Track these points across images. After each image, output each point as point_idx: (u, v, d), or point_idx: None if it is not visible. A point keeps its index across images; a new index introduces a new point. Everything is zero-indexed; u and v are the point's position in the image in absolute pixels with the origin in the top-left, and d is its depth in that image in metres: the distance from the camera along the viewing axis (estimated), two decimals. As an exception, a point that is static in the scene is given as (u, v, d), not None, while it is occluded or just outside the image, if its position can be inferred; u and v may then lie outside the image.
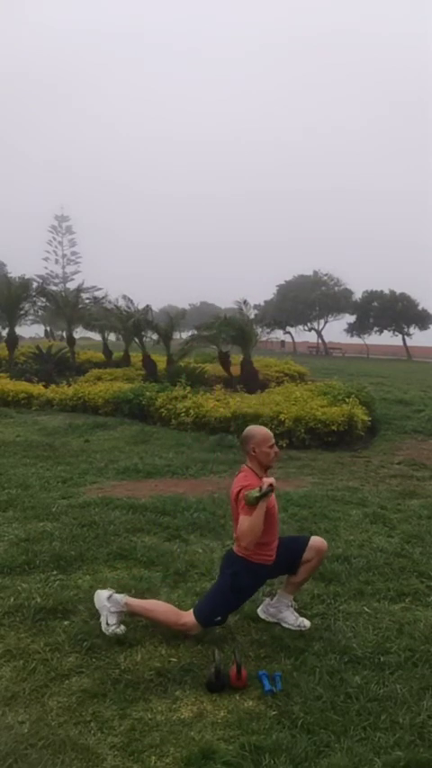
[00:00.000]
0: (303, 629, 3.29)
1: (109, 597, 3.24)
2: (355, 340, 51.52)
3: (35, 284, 21.74)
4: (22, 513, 5.34)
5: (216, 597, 3.20)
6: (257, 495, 3.00)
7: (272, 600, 3.43)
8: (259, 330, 16.36)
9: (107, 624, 3.19)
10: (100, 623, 3.23)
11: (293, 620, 3.33)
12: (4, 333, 21.64)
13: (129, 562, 4.22)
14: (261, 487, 3.02)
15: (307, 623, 3.33)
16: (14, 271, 27.02)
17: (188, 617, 3.16)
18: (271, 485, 3.04)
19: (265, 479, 3.08)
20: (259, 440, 3.25)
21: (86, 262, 58.42)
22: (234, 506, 3.21)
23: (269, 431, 3.34)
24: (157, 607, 3.24)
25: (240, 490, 3.11)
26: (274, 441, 3.29)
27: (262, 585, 3.40)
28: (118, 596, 3.25)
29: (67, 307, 20.32)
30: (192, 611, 3.19)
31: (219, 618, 3.19)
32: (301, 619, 3.35)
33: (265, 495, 3.01)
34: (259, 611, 3.45)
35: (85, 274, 52.76)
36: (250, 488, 3.06)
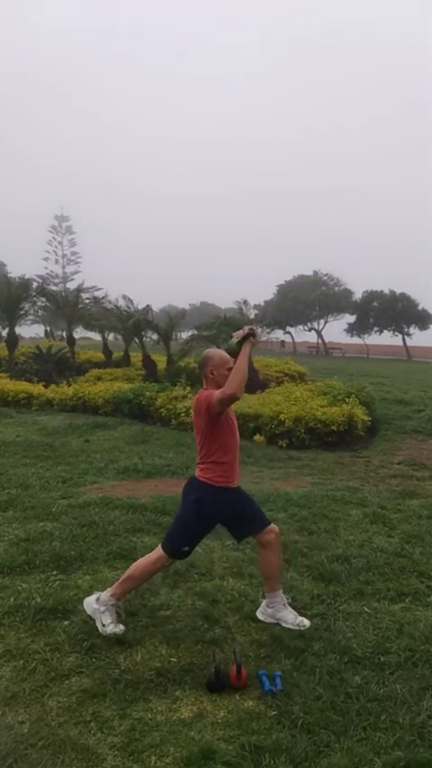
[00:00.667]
0: (303, 628, 3.29)
1: (97, 599, 3.26)
2: (355, 340, 51.54)
3: (35, 284, 21.78)
4: (22, 513, 5.34)
5: (180, 526, 3.20)
6: (238, 339, 2.97)
7: (267, 601, 3.42)
8: (259, 330, 16.37)
9: (102, 625, 3.20)
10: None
11: (292, 618, 3.33)
12: (4, 333, 21.65)
13: (129, 562, 4.19)
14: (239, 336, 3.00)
15: (306, 622, 3.32)
16: (14, 271, 27.06)
17: (158, 553, 3.19)
18: (252, 328, 3.00)
19: (244, 327, 3.07)
20: (217, 362, 3.18)
21: (86, 262, 58.38)
22: (197, 419, 3.17)
23: (228, 355, 3.22)
24: (131, 570, 3.27)
25: (202, 396, 3.08)
26: (232, 363, 3.15)
27: (222, 517, 3.27)
28: (103, 594, 3.27)
29: (67, 307, 20.33)
30: (159, 546, 3.21)
31: (186, 548, 3.19)
32: (300, 618, 3.34)
33: (246, 337, 2.97)
34: (258, 612, 3.44)
35: (85, 274, 52.91)
36: (211, 392, 3.05)
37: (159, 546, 3.24)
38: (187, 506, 3.20)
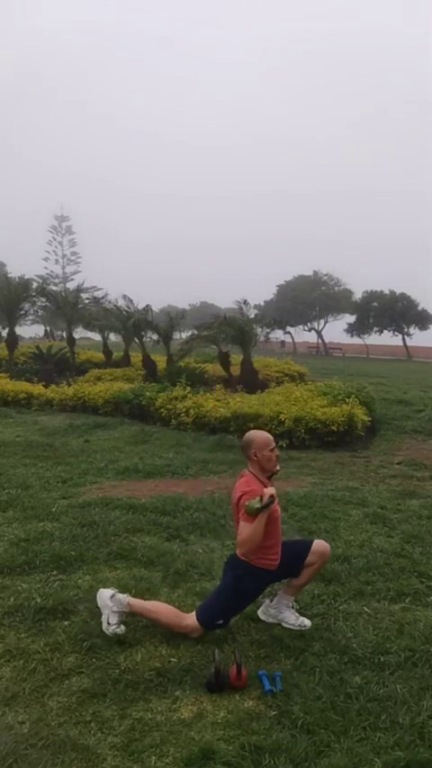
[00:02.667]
0: (304, 628, 3.29)
1: (112, 597, 3.24)
2: (355, 340, 51.54)
3: (35, 284, 21.78)
4: (22, 513, 5.34)
5: (219, 601, 3.20)
6: (258, 506, 2.99)
7: (271, 602, 3.42)
8: (259, 330, 16.37)
9: (108, 624, 3.19)
10: (101, 622, 3.23)
11: (294, 619, 3.33)
12: (4, 333, 21.65)
13: (129, 562, 4.22)
14: (262, 498, 3.00)
15: (308, 623, 3.33)
16: (14, 271, 27.04)
17: (190, 619, 3.16)
18: (272, 496, 3.02)
19: (266, 490, 3.05)
20: (260, 444, 3.23)
21: (86, 262, 58.49)
22: (235, 511, 3.20)
23: (269, 434, 3.33)
24: (160, 608, 3.24)
25: (242, 496, 3.10)
26: (274, 445, 3.27)
27: (265, 589, 3.40)
28: (121, 596, 3.25)
29: (67, 307, 20.32)
30: (194, 613, 3.19)
31: (221, 621, 3.19)
32: (302, 618, 3.35)
33: (265, 507, 3.00)
34: (259, 612, 3.44)
35: (85, 274, 52.68)
36: (252, 495, 3.05)
37: (194, 613, 3.19)
38: (227, 582, 3.22)
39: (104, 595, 3.27)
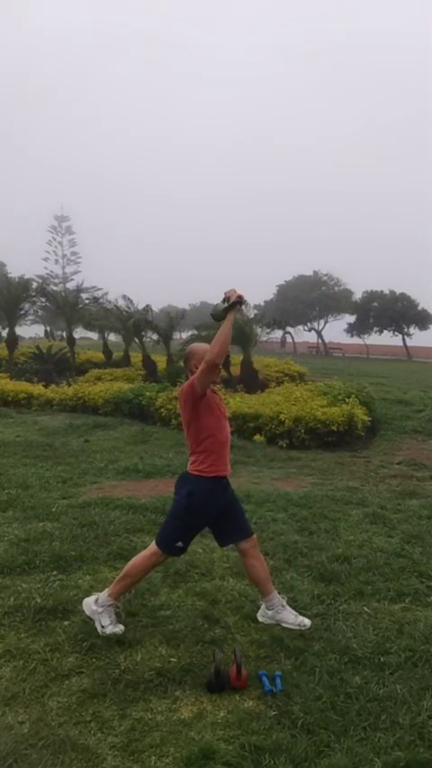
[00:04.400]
0: (303, 627, 3.29)
1: (96, 601, 3.26)
2: (355, 340, 51.51)
3: (35, 284, 21.74)
4: (22, 513, 5.34)
5: (173, 520, 3.19)
6: (225, 306, 2.94)
7: (265, 604, 3.41)
8: (259, 330, 16.36)
9: (101, 626, 3.19)
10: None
11: (293, 619, 3.32)
12: (4, 333, 21.65)
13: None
14: (227, 299, 2.95)
15: (307, 622, 3.32)
16: (14, 271, 27.03)
17: (152, 548, 3.19)
18: (240, 296, 2.95)
19: (231, 291, 3.00)
20: (201, 356, 3.15)
21: (86, 262, 58.40)
22: (183, 411, 3.18)
23: (208, 345, 3.22)
24: (126, 569, 3.26)
25: (187, 386, 3.08)
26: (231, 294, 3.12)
27: (213, 513, 3.24)
28: (102, 595, 3.27)
29: (67, 307, 20.32)
30: (153, 542, 3.21)
31: (180, 543, 3.18)
32: (300, 618, 3.34)
33: (231, 306, 2.93)
34: (258, 615, 3.43)
35: (84, 274, 52.76)
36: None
37: (153, 542, 3.23)
38: (179, 500, 3.20)
39: (89, 602, 3.29)
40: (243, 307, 3.01)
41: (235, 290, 3.03)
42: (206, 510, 3.20)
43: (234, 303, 2.95)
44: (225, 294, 3.02)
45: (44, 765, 2.28)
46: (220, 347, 2.98)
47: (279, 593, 3.42)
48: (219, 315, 2.98)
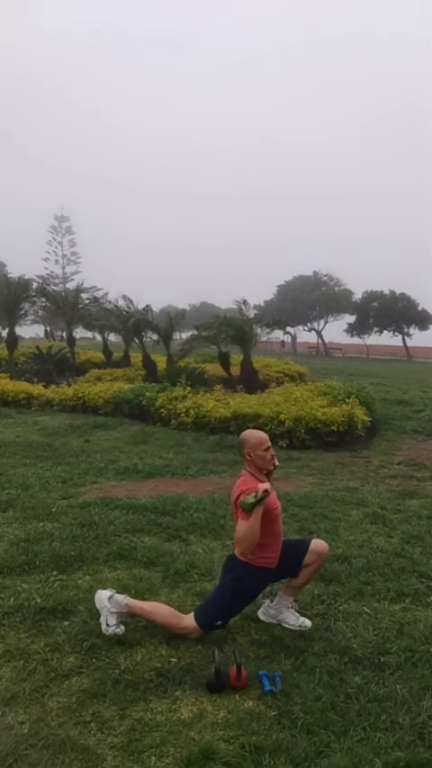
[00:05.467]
0: (304, 629, 3.29)
1: (110, 597, 3.23)
2: (355, 340, 51.54)
3: (35, 284, 21.74)
4: (22, 513, 5.34)
5: (218, 601, 3.19)
6: (252, 500, 3.00)
7: (272, 602, 3.42)
8: (259, 330, 16.36)
9: (107, 625, 3.19)
10: (100, 623, 3.23)
11: (294, 620, 3.33)
12: (4, 333, 21.66)
13: (129, 562, 4.22)
14: (256, 493, 3.01)
15: (308, 623, 3.32)
16: (14, 271, 26.99)
17: (189, 620, 3.15)
18: (266, 490, 3.03)
19: (260, 485, 3.06)
20: (253, 443, 3.24)
21: (86, 262, 58.44)
22: (234, 511, 3.20)
23: (264, 434, 3.32)
24: (158, 609, 3.24)
25: (239, 495, 3.10)
26: (269, 444, 3.26)
27: (264, 589, 3.39)
28: (119, 597, 3.24)
29: (67, 307, 20.32)
30: (192, 614, 3.18)
31: (220, 622, 3.18)
32: (302, 619, 3.34)
33: (259, 500, 3.00)
34: (259, 613, 3.44)
35: (84, 274, 52.69)
36: (249, 493, 3.06)
37: (193, 614, 3.19)
38: (226, 583, 3.20)
39: (102, 596, 3.27)
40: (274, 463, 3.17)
41: (261, 486, 3.06)
42: (251, 594, 3.26)
43: (261, 499, 3.02)
44: (258, 489, 3.07)
45: (44, 765, 2.28)
46: (251, 543, 3.03)
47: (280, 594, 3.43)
48: (246, 507, 3.03)
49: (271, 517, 3.15)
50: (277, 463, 3.36)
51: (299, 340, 53.80)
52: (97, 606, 3.28)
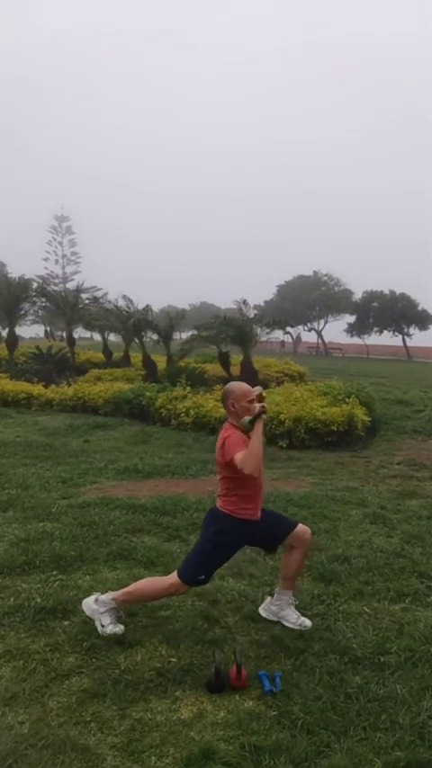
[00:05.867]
0: (304, 628, 3.29)
1: (96, 600, 3.26)
2: (355, 340, 51.53)
3: (35, 284, 21.74)
4: (22, 513, 5.34)
5: (199, 555, 3.19)
6: (251, 418, 3.01)
7: (272, 598, 3.43)
8: (259, 330, 16.36)
9: (102, 626, 3.20)
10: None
11: (295, 618, 3.33)
12: (4, 333, 21.65)
13: (129, 562, 4.22)
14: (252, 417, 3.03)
15: (308, 623, 3.32)
16: (14, 271, 26.98)
17: (172, 579, 3.17)
18: (263, 406, 3.03)
19: (255, 404, 3.07)
20: (237, 395, 3.19)
21: (86, 262, 58.40)
22: (220, 460, 3.19)
23: (248, 386, 3.26)
24: (140, 585, 3.26)
25: (225, 439, 3.11)
26: (254, 396, 3.19)
27: (243, 545, 3.35)
28: (103, 596, 3.26)
29: (67, 307, 20.31)
30: (175, 572, 3.20)
31: (202, 576, 3.18)
32: (302, 618, 3.35)
33: (257, 416, 3.01)
34: (261, 609, 3.45)
35: (85, 274, 52.67)
36: (234, 437, 3.08)
37: (175, 572, 3.20)
38: (207, 536, 3.20)
39: (89, 602, 3.29)
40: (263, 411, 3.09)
41: (259, 388, 3.10)
42: (231, 548, 3.25)
43: (258, 414, 3.03)
44: (254, 405, 3.09)
45: (44, 765, 2.28)
46: (256, 460, 3.02)
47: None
48: (246, 428, 3.05)
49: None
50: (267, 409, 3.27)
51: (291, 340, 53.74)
52: (88, 613, 3.29)
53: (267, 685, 2.76)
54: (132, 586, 3.28)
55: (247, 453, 3.00)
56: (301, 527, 3.34)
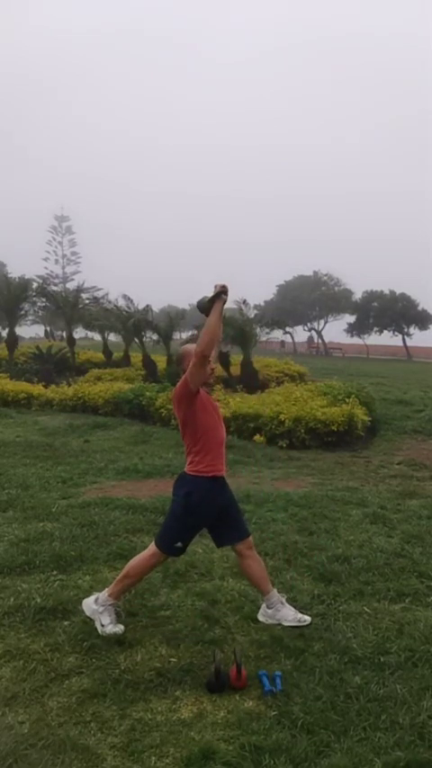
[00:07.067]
0: (303, 623, 3.29)
1: (96, 600, 3.27)
2: (355, 340, 51.53)
3: (35, 284, 21.77)
4: (22, 513, 5.34)
5: (172, 521, 3.21)
6: (210, 297, 2.99)
7: (266, 602, 3.41)
8: (259, 330, 16.37)
9: (102, 626, 3.20)
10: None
11: (293, 615, 3.32)
12: (4, 333, 21.66)
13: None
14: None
15: (307, 618, 3.32)
16: (14, 271, 27.02)
17: (152, 549, 3.20)
18: (223, 285, 2.99)
19: (216, 284, 3.04)
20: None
21: (86, 262, 58.35)
22: (177, 411, 3.19)
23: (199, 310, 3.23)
24: (127, 568, 3.27)
25: (175, 391, 3.12)
26: (210, 358, 3.17)
27: (213, 510, 3.25)
28: (102, 595, 3.28)
29: (67, 307, 20.32)
30: (153, 542, 3.22)
31: (179, 544, 3.19)
32: (299, 614, 3.35)
33: (217, 295, 2.97)
34: (259, 615, 3.43)
35: (85, 274, 52.64)
36: (180, 383, 3.07)
37: (153, 543, 3.24)
38: (177, 501, 3.21)
39: (88, 602, 3.30)
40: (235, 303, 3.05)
41: (223, 284, 3.06)
42: (205, 510, 3.21)
43: (218, 293, 2.98)
44: (215, 287, 3.06)
45: (44, 765, 2.28)
46: (210, 338, 2.97)
47: (278, 592, 3.42)
48: (204, 306, 3.01)
49: (211, 414, 3.17)
50: (212, 379, 3.26)
51: (298, 340, 53.79)
52: (88, 614, 3.29)
53: (267, 685, 2.76)
54: (120, 574, 3.31)
55: (205, 332, 2.96)
56: (247, 540, 3.33)
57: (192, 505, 3.15)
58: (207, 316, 3.04)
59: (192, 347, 3.24)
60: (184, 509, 3.16)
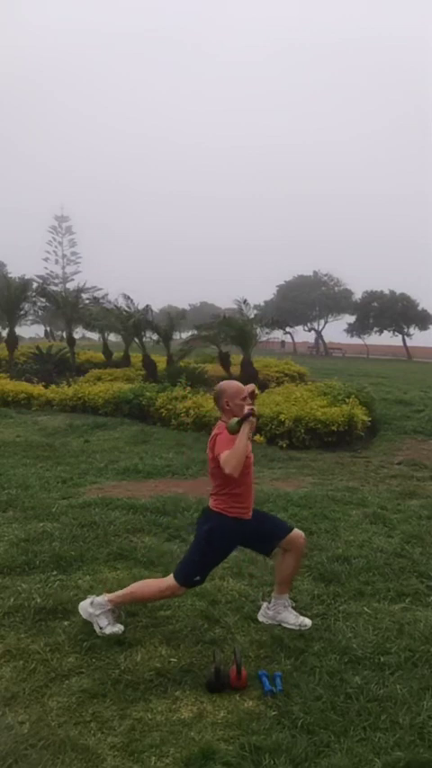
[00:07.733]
0: (304, 628, 3.29)
1: (92, 603, 3.25)
2: (355, 340, 51.56)
3: (35, 284, 21.75)
4: (22, 513, 5.34)
5: (194, 556, 3.20)
6: (238, 419, 3.02)
7: (269, 603, 3.42)
8: (259, 330, 16.36)
9: (100, 628, 3.20)
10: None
11: (294, 619, 3.33)
12: (4, 333, 21.64)
13: (129, 562, 4.22)
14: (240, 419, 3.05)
15: (308, 622, 3.32)
16: (14, 271, 27.03)
17: (169, 581, 3.18)
18: (252, 408, 3.04)
19: (248, 402, 3.09)
20: (231, 393, 3.21)
21: (87, 262, 58.35)
22: (210, 456, 3.19)
23: (241, 384, 3.30)
24: (137, 587, 3.26)
25: (216, 437, 3.12)
26: (246, 394, 3.22)
27: (236, 545, 3.34)
28: (98, 598, 3.26)
29: (67, 307, 20.30)
30: (171, 575, 3.20)
31: (198, 578, 3.19)
32: (301, 618, 3.35)
33: (245, 417, 3.01)
34: (259, 615, 3.43)
35: (85, 274, 52.64)
36: (224, 436, 3.08)
37: (171, 575, 3.20)
38: (200, 536, 3.20)
39: (84, 605, 3.29)
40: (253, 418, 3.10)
41: (252, 386, 3.15)
42: (226, 547, 3.26)
43: (246, 415, 3.03)
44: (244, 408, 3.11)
45: (44, 765, 2.28)
46: (237, 462, 3.00)
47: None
48: (233, 428, 3.05)
49: (245, 464, 3.15)
50: (256, 412, 3.29)
51: (298, 340, 53.82)
52: (84, 617, 3.28)
53: (267, 685, 2.76)
54: (128, 589, 3.27)
55: (230, 453, 3.00)
56: (295, 531, 3.33)
57: (214, 542, 3.17)
58: (235, 435, 3.05)
59: (228, 386, 3.28)
60: (207, 545, 3.17)
